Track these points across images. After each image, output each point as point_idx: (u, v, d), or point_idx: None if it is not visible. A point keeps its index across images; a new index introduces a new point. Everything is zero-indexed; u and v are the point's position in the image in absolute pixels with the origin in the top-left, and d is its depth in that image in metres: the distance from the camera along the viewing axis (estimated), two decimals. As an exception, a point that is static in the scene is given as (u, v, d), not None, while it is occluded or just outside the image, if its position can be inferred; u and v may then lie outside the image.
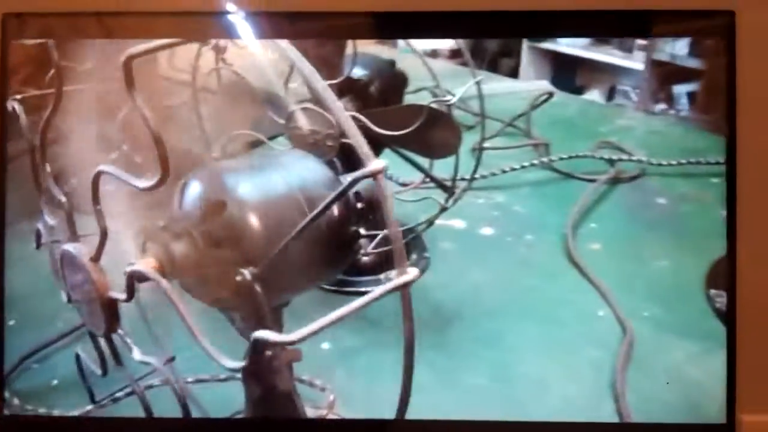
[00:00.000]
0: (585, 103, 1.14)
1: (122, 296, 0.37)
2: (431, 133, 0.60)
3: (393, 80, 0.67)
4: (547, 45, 1.86)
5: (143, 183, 0.34)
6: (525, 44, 1.89)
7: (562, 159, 0.90)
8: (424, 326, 0.65)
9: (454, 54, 1.87)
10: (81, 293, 0.38)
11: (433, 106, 0.58)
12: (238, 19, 0.46)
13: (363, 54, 0.66)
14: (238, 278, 0.37)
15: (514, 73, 1.94)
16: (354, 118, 0.59)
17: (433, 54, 1.38)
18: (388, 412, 0.49)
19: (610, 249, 0.75)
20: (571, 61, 1.81)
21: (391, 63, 0.68)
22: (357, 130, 0.31)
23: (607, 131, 1.00)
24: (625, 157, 0.90)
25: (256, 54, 0.70)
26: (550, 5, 0.46)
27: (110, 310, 0.37)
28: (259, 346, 0.35)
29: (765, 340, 0.46)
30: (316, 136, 0.59)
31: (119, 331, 0.38)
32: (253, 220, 0.38)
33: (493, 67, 1.99)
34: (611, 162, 0.89)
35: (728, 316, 0.47)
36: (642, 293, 0.66)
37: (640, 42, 1.53)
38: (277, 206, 0.40)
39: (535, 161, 0.89)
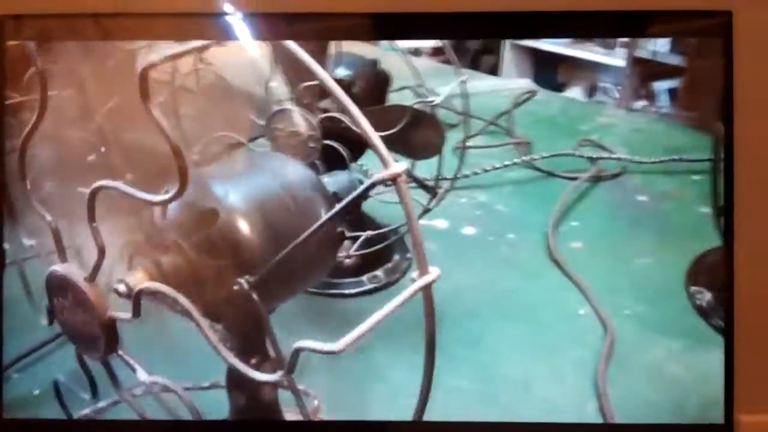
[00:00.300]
0: (566, 101, 1.15)
1: (126, 315, 0.36)
2: (415, 133, 0.60)
3: (376, 80, 0.67)
4: (529, 42, 1.86)
5: (157, 197, 0.33)
6: (507, 42, 1.90)
7: (543, 158, 0.90)
8: (405, 327, 0.65)
9: (437, 52, 1.87)
10: (73, 316, 0.37)
11: (417, 106, 0.58)
12: (235, 20, 0.46)
13: (346, 54, 0.66)
14: (236, 287, 0.36)
15: (495, 71, 1.94)
16: (336, 119, 0.59)
17: (416, 52, 1.38)
18: (375, 416, 0.49)
19: (591, 247, 0.75)
20: (553, 59, 1.81)
21: (374, 63, 0.68)
22: (375, 133, 0.31)
23: (588, 129, 1.00)
24: (605, 155, 0.90)
25: (238, 53, 0.70)
26: (543, 6, 0.46)
27: (110, 331, 0.36)
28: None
29: (762, 341, 0.47)
30: (298, 137, 0.59)
31: (119, 352, 0.37)
32: (246, 228, 0.37)
33: (475, 65, 1.99)
34: (592, 160, 0.90)
35: (726, 317, 0.47)
36: (623, 291, 0.67)
37: (622, 39, 1.53)
38: (267, 211, 0.39)
39: (517, 160, 0.90)
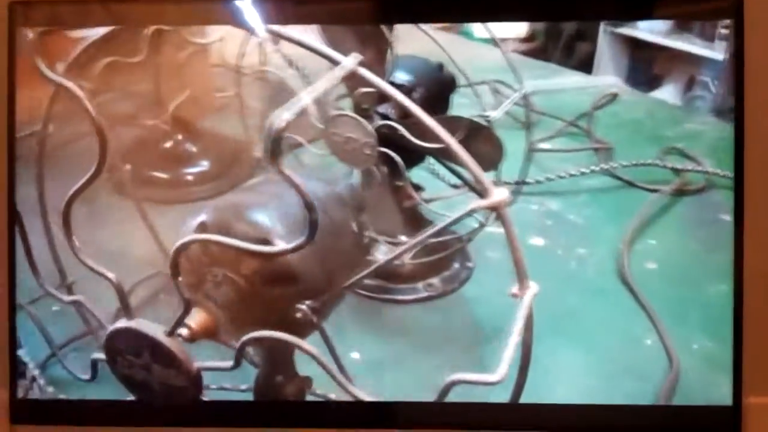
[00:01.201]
0: (654, 103, 1.08)
1: (226, 364, 0.36)
2: (471, 146, 0.57)
3: (439, 85, 0.64)
4: (626, 30, 1.77)
5: (276, 246, 0.32)
6: (602, 29, 1.82)
7: (624, 166, 0.85)
8: (460, 342, 0.63)
9: (528, 39, 1.81)
10: (148, 372, 0.36)
11: (474, 119, 0.56)
12: (245, 4, 0.45)
13: (409, 57, 0.64)
14: (298, 315, 0.36)
15: (589, 59, 1.86)
16: (391, 127, 0.57)
17: (500, 42, 1.33)
18: None
19: (665, 269, 0.70)
20: (650, 49, 1.73)
21: (439, 66, 0.65)
22: (468, 155, 0.30)
23: (674, 135, 0.94)
24: (691, 166, 0.84)
25: (304, 55, 0.69)
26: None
27: (196, 381, 0.36)
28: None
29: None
30: (354, 143, 0.58)
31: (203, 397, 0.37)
32: (298, 254, 0.36)
33: (569, 52, 1.92)
34: (677, 171, 0.84)
35: (735, 301, 0.46)
36: (695, 323, 0.62)
37: (723, 31, 1.44)
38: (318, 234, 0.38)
39: (595, 167, 0.85)
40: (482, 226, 0.63)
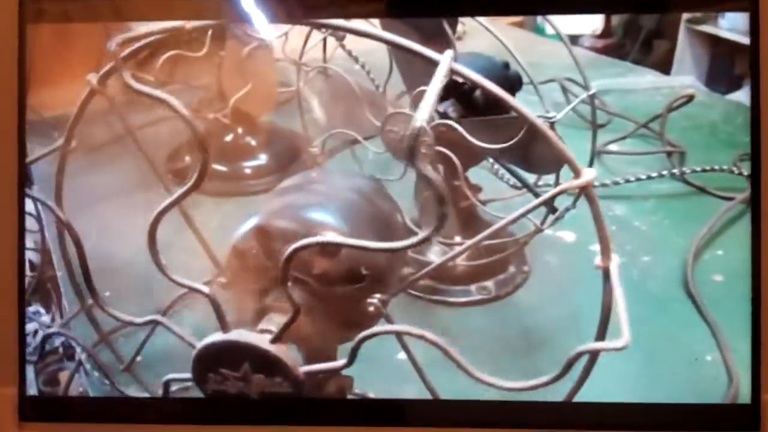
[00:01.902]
0: (733, 106, 1.03)
1: (339, 363, 0.36)
2: (532, 148, 0.55)
3: (504, 84, 0.63)
4: (706, 28, 1.70)
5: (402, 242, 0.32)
6: (683, 25, 1.75)
7: (695, 171, 0.81)
8: (511, 349, 0.62)
9: (604, 34, 1.76)
10: (246, 383, 0.36)
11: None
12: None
13: (474, 55, 0.63)
14: (371, 309, 0.36)
15: (668, 56, 1.80)
16: (449, 126, 0.56)
17: (572, 39, 1.30)
18: None
19: (732, 283, 0.67)
20: (731, 47, 1.65)
21: (505, 65, 0.63)
22: (560, 141, 0.34)
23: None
24: None
25: (364, 52, 0.69)
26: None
27: (300, 387, 0.36)
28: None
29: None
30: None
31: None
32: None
33: (646, 49, 1.86)
34: (751, 179, 0.80)
35: (753, 298, 0.48)
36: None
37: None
38: (369, 228, 0.39)
39: (665, 172, 0.81)
40: (539, 230, 0.62)
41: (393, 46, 0.34)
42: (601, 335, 0.34)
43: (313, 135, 0.70)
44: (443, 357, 0.46)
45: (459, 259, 0.64)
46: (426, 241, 0.32)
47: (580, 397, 0.43)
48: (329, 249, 0.36)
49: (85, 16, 0.53)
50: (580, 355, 0.33)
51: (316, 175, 0.48)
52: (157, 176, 0.46)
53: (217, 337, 0.35)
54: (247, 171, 0.88)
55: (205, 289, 0.35)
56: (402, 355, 0.59)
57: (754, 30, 0.44)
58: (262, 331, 0.35)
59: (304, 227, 0.36)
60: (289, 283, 0.35)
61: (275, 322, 0.35)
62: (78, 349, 0.62)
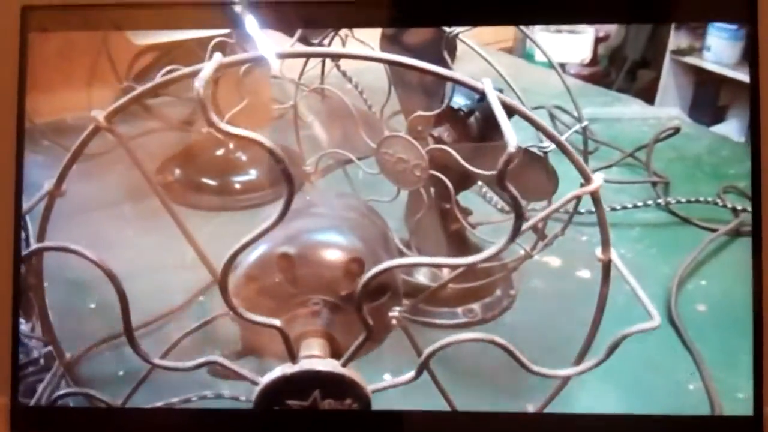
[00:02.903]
0: (717, 139, 1.05)
1: (406, 377, 0.38)
2: (526, 175, 0.56)
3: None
4: (691, 60, 1.74)
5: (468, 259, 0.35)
6: (668, 57, 1.79)
7: (680, 202, 0.83)
8: (497, 370, 0.62)
9: (590, 63, 1.79)
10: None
11: (530, 149, 0.55)
12: (250, 9, 0.46)
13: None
14: (393, 322, 0.37)
15: (652, 86, 1.83)
16: (444, 151, 0.56)
17: (561, 67, 1.32)
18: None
19: (715, 313, 0.68)
20: (716, 79, 1.69)
21: (498, 91, 0.64)
22: (572, 149, 0.37)
23: (736, 173, 0.91)
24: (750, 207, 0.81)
25: (362, 73, 0.69)
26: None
27: (368, 405, 0.37)
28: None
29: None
30: (404, 164, 0.58)
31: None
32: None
33: (631, 78, 1.89)
34: (735, 211, 0.81)
35: (755, 311, 0.49)
36: (742, 371, 0.60)
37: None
38: (379, 243, 0.39)
39: (650, 201, 0.83)
40: (528, 255, 0.62)
41: (433, 74, 0.35)
42: (597, 322, 0.37)
43: (307, 152, 0.70)
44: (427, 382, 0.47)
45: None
46: (500, 252, 0.35)
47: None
48: (353, 270, 0.36)
49: (86, 25, 0.54)
50: (623, 337, 0.38)
51: (310, 198, 0.48)
52: (154, 191, 0.46)
53: (288, 369, 0.35)
54: (237, 186, 0.88)
55: (277, 322, 0.35)
56: (387, 375, 0.60)
57: (753, 41, 0.44)
58: (308, 357, 0.35)
59: (326, 251, 0.37)
60: (319, 306, 0.35)
61: (316, 345, 0.36)
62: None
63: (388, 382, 0.36)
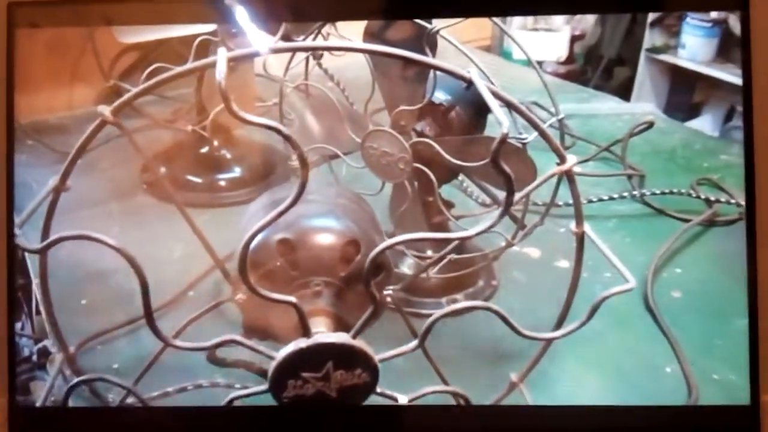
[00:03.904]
0: (691, 133, 1.07)
1: (411, 345, 0.39)
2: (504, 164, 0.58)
3: (477, 105, 0.66)
4: (666, 57, 1.77)
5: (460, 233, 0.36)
6: (643, 54, 1.82)
7: (654, 194, 0.85)
8: (481, 359, 0.64)
9: (567, 61, 1.82)
10: (325, 383, 0.37)
11: (509, 140, 0.57)
12: (238, 2, 0.46)
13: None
14: (389, 299, 0.40)
15: (628, 84, 1.86)
16: (426, 144, 0.58)
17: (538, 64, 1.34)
18: None
19: (690, 299, 0.70)
20: (690, 77, 1.72)
21: (478, 86, 0.66)
22: (550, 133, 0.39)
23: (709, 166, 0.94)
24: (724, 198, 0.84)
25: (347, 69, 0.71)
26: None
27: (376, 375, 0.38)
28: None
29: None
30: (388, 158, 0.59)
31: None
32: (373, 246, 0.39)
33: (607, 76, 1.92)
34: (709, 202, 0.84)
35: (750, 300, 0.49)
36: (716, 354, 0.63)
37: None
38: (372, 227, 0.41)
39: (626, 193, 0.85)
40: (510, 244, 0.64)
41: (422, 65, 0.36)
42: (573, 290, 0.39)
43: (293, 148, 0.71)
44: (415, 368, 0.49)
45: (431, 272, 0.66)
46: (490, 229, 0.37)
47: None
48: (349, 253, 0.38)
49: (73, 21, 0.54)
50: (603, 299, 0.41)
51: (313, 188, 0.50)
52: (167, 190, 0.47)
53: (303, 343, 0.36)
54: (222, 183, 0.89)
55: (293, 299, 0.37)
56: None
57: (745, 30, 0.45)
58: (319, 332, 0.37)
59: (324, 235, 0.38)
60: (320, 287, 0.37)
61: (321, 323, 0.37)
62: (58, 355, 0.62)
63: (393, 351, 0.38)
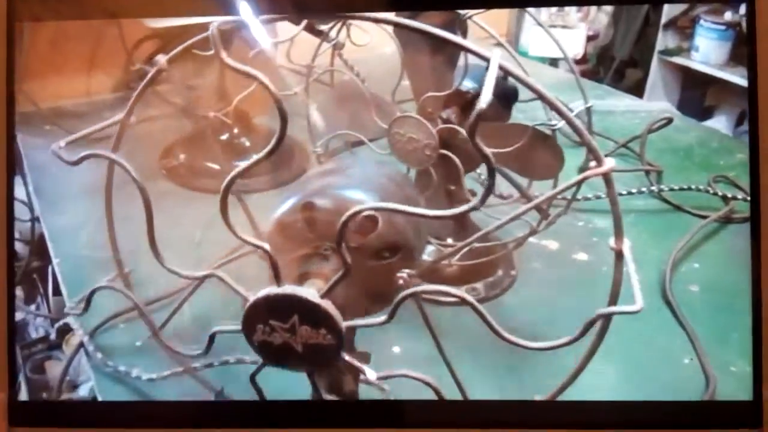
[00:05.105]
0: (707, 132, 1.08)
1: (378, 320, 0.38)
2: (533, 154, 0.59)
3: (503, 95, 0.66)
4: (679, 60, 1.77)
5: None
6: (655, 56, 1.82)
7: (672, 190, 0.86)
8: (496, 346, 0.65)
9: (580, 61, 1.82)
10: (291, 335, 0.38)
11: (538, 128, 0.57)
12: None
13: (474, 66, 0.66)
14: (401, 282, 0.39)
15: (640, 85, 1.87)
16: (451, 131, 0.59)
17: (554, 63, 1.35)
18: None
19: (708, 293, 0.71)
20: (703, 79, 1.72)
21: (504, 77, 0.66)
22: (585, 130, 0.36)
23: (725, 164, 0.95)
24: (741, 195, 0.84)
25: (372, 57, 0.71)
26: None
27: (342, 339, 0.38)
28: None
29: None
30: (415, 144, 0.60)
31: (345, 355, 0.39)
32: (396, 227, 0.40)
33: (619, 77, 1.92)
34: (726, 199, 0.84)
35: (754, 294, 0.49)
36: (734, 346, 0.63)
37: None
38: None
39: (644, 189, 0.86)
40: (534, 231, 0.65)
41: (446, 42, 0.36)
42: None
43: (312, 137, 0.72)
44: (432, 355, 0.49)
45: (453, 260, 0.67)
46: (473, 210, 0.35)
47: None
48: (366, 226, 0.38)
49: (74, 14, 0.54)
50: (599, 317, 0.37)
51: (350, 161, 0.50)
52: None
53: (273, 290, 0.37)
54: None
55: (267, 246, 0.38)
56: (396, 349, 0.62)
57: (751, 23, 0.45)
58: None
59: (344, 205, 0.39)
60: (328, 252, 0.37)
61: (316, 285, 0.38)
62: (80, 331, 0.63)
63: (361, 321, 0.38)
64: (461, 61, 0.61)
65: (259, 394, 0.42)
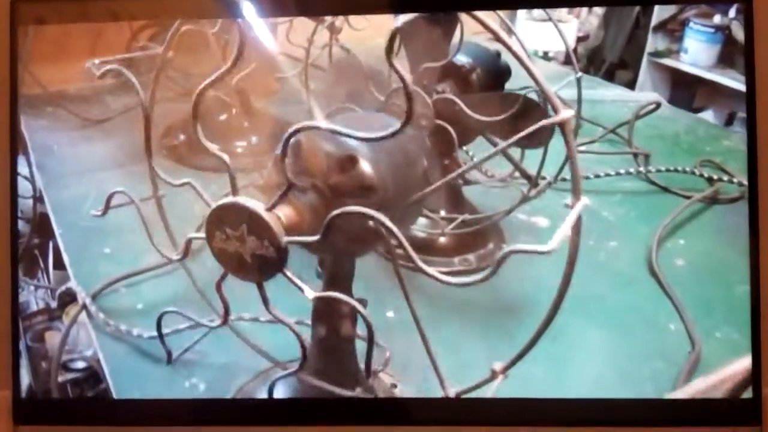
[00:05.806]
0: (695, 120, 1.11)
1: (313, 237, 0.39)
2: (524, 122, 0.61)
3: (495, 71, 0.69)
4: (669, 62, 1.80)
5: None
6: (645, 58, 1.85)
7: (659, 171, 0.88)
8: (491, 315, 0.67)
9: (568, 60, 1.85)
10: (239, 244, 0.40)
11: (529, 96, 0.60)
12: None
13: (470, 42, 0.68)
14: (371, 223, 0.40)
15: (630, 86, 1.89)
16: (449, 101, 0.61)
17: (546, 57, 1.38)
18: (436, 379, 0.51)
19: (694, 267, 0.73)
20: (692, 81, 1.75)
21: (497, 54, 0.69)
22: (546, 82, 0.36)
23: (712, 151, 0.97)
24: (726, 177, 0.87)
25: (368, 33, 0.73)
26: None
27: (283, 254, 0.39)
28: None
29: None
30: (411, 114, 0.62)
31: (286, 272, 0.40)
32: (377, 173, 0.41)
33: (609, 78, 1.95)
34: (711, 181, 0.87)
35: (753, 294, 0.49)
36: (719, 315, 0.65)
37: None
38: (389, 160, 0.43)
39: (632, 170, 0.88)
40: (526, 197, 0.67)
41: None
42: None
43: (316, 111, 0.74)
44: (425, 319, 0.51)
45: (446, 229, 0.69)
46: (397, 133, 0.35)
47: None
48: (347, 165, 0.40)
49: (77, 18, 0.56)
50: (510, 253, 0.36)
51: (370, 115, 0.52)
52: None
53: (227, 199, 0.39)
54: (238, 150, 0.92)
55: (226, 157, 0.41)
56: (390, 314, 0.64)
57: (749, 24, 0.47)
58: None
59: (332, 146, 0.41)
60: (308, 187, 0.39)
61: (285, 210, 0.39)
62: (83, 293, 0.64)
63: (298, 238, 0.39)
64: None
65: (223, 302, 0.44)
